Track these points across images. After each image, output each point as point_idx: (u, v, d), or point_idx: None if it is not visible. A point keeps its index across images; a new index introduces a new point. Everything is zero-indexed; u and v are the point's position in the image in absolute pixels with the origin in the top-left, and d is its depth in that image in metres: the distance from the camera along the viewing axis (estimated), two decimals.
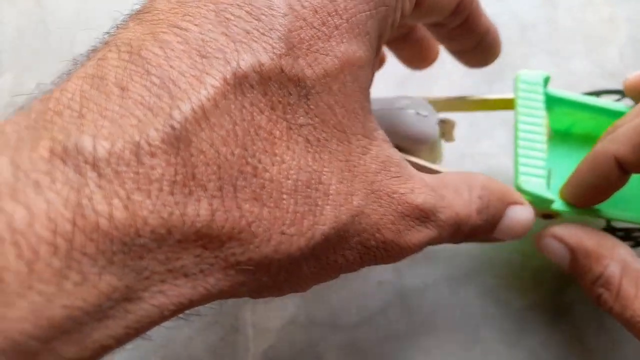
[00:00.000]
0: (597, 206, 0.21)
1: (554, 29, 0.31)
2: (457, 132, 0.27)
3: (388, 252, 0.15)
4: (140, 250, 0.10)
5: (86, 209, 0.10)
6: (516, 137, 0.21)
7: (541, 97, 0.21)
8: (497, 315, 0.23)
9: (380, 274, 0.24)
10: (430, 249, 0.24)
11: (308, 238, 0.12)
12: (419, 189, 0.15)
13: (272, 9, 0.12)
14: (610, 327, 0.23)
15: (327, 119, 0.13)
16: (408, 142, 0.20)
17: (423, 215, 0.15)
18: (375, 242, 0.14)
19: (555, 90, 0.22)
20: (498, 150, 0.27)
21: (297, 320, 0.23)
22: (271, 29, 0.12)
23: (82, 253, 0.10)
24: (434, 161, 0.22)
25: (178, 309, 0.11)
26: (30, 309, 0.09)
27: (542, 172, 0.20)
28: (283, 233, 0.12)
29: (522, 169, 0.20)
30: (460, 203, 0.16)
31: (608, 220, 0.23)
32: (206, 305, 0.24)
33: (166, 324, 0.24)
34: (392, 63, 0.30)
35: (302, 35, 0.12)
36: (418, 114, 0.20)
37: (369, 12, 0.14)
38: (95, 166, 0.10)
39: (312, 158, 0.13)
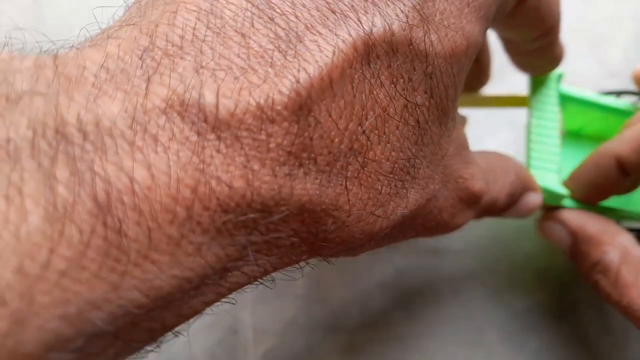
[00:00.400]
0: (607, 204, 0.21)
1: None
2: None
3: (438, 230, 0.15)
4: (247, 222, 0.10)
5: (206, 175, 0.09)
6: (529, 132, 0.21)
7: (555, 93, 0.21)
8: (500, 316, 0.23)
9: (381, 274, 0.24)
10: (431, 250, 0.24)
11: (390, 220, 0.12)
12: (477, 175, 0.15)
13: None
14: (614, 328, 0.23)
15: (440, 101, 0.12)
16: None
17: (474, 201, 0.15)
18: (435, 222, 0.14)
19: (568, 88, 0.22)
20: (503, 150, 0.27)
21: (297, 322, 0.23)
22: None
23: (197, 222, 0.09)
24: None
25: (261, 276, 0.11)
26: (143, 279, 0.09)
27: (555, 167, 0.20)
28: (372, 214, 0.11)
29: (534, 163, 0.20)
30: (496, 188, 0.16)
31: (617, 220, 0.22)
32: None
33: None
34: None
35: (437, 7, 0.11)
36: None
37: None
38: (215, 127, 0.09)
39: (414, 142, 0.12)
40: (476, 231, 0.25)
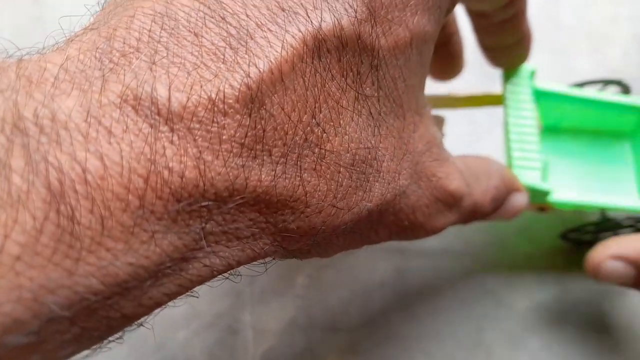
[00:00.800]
0: (592, 197, 0.21)
1: (556, 27, 0.30)
2: (458, 131, 0.27)
3: (414, 233, 0.15)
4: (202, 211, 0.10)
5: (158, 165, 0.09)
6: (507, 131, 0.21)
7: (529, 90, 0.21)
8: (500, 317, 0.23)
9: (381, 275, 0.24)
10: (432, 250, 0.24)
11: (354, 213, 0.12)
12: (452, 175, 0.15)
13: None
14: (614, 328, 0.23)
15: (390, 93, 0.12)
16: None
17: (452, 202, 0.15)
18: (408, 222, 0.14)
19: (541, 83, 0.23)
20: (498, 149, 0.27)
21: (296, 322, 0.23)
22: None
23: (150, 211, 0.09)
24: None
25: (226, 270, 0.11)
26: (98, 266, 0.09)
27: (537, 165, 0.20)
28: (333, 206, 0.12)
29: (516, 162, 0.20)
30: (479, 191, 0.16)
31: (603, 212, 0.23)
32: (204, 307, 0.24)
33: (163, 326, 0.24)
34: None
35: (382, 1, 0.12)
36: None
37: None
38: (168, 120, 0.10)
39: (372, 132, 0.12)
40: (476, 232, 0.25)
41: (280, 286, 0.24)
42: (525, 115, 0.21)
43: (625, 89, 0.24)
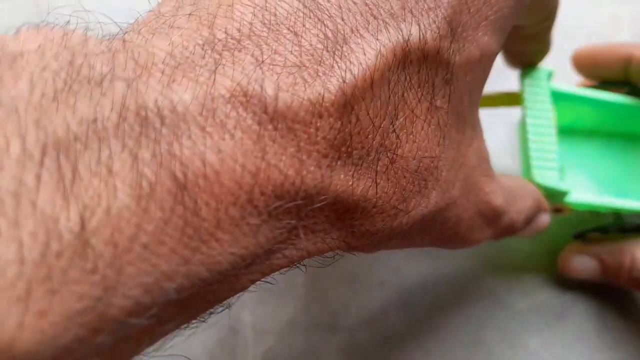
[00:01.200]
0: (609, 199, 0.22)
1: (557, 27, 0.30)
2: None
3: (454, 243, 0.15)
4: (293, 208, 0.11)
5: (265, 162, 0.10)
6: (526, 132, 0.21)
7: (547, 92, 0.21)
8: (499, 316, 0.23)
9: (381, 274, 0.24)
10: (432, 250, 0.24)
11: (411, 217, 0.13)
12: (498, 192, 0.15)
13: None
14: (613, 327, 0.23)
15: (456, 107, 0.13)
16: None
17: (494, 217, 0.16)
18: (451, 232, 0.15)
19: (557, 85, 0.23)
20: (500, 150, 0.27)
21: (296, 322, 0.23)
22: (439, 6, 0.12)
23: (254, 206, 0.10)
24: None
25: (299, 260, 0.12)
26: (208, 254, 0.10)
27: (555, 165, 0.20)
28: (395, 207, 0.12)
29: (535, 162, 0.20)
30: (515, 210, 0.17)
31: (617, 215, 0.23)
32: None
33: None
34: None
35: (461, 19, 0.12)
36: None
37: (512, 9, 0.14)
38: (273, 119, 0.10)
39: (437, 143, 0.13)
40: None
41: (280, 286, 0.24)
42: (544, 116, 0.21)
43: (630, 86, 0.24)
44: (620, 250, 0.22)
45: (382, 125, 0.11)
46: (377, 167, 0.12)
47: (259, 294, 0.24)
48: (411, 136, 0.12)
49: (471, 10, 0.13)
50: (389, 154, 0.12)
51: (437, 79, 0.12)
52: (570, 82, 0.25)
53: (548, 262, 0.24)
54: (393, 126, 0.12)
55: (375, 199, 0.12)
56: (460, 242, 0.15)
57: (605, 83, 0.24)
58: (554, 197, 0.20)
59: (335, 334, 0.23)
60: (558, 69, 0.29)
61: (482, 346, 0.23)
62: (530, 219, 0.19)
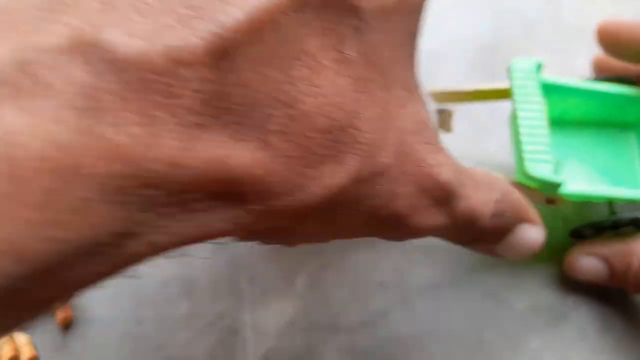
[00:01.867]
0: (602, 188, 0.22)
1: (558, 27, 0.30)
2: (461, 130, 0.27)
3: (395, 228, 0.13)
4: (151, 181, 0.09)
5: (102, 123, 0.08)
6: (517, 125, 0.21)
7: (537, 84, 0.21)
8: (501, 316, 0.23)
9: (381, 274, 0.24)
10: (433, 249, 0.24)
11: (325, 186, 0.11)
12: (446, 165, 0.13)
13: None
14: (614, 328, 0.23)
15: (373, 60, 0.11)
16: None
17: (443, 196, 0.13)
18: (388, 212, 0.12)
19: (547, 76, 0.23)
20: (502, 149, 0.27)
21: (296, 323, 0.23)
22: None
23: (86, 176, 0.08)
24: None
25: (173, 247, 0.10)
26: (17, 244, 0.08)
27: (548, 158, 0.20)
28: (301, 175, 0.11)
29: (528, 155, 0.20)
30: (477, 198, 0.15)
31: (611, 204, 0.23)
32: (204, 307, 0.24)
33: (163, 326, 0.24)
34: None
35: None
36: None
37: None
38: (122, 70, 0.08)
39: (352, 98, 0.11)
40: None
41: (280, 286, 0.24)
42: (534, 109, 0.21)
43: (631, 84, 0.24)
44: (628, 252, 0.22)
45: (276, 78, 0.10)
46: (269, 125, 0.10)
47: (260, 294, 0.24)
48: (317, 89, 0.10)
49: None
50: (286, 109, 0.10)
51: (345, 27, 0.11)
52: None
53: (548, 262, 0.24)
54: (290, 78, 0.10)
55: (271, 165, 0.10)
56: (403, 227, 0.13)
57: (605, 78, 0.24)
58: (548, 189, 0.20)
59: (335, 335, 0.23)
60: (558, 68, 0.29)
61: (483, 347, 0.23)
62: (501, 220, 0.16)
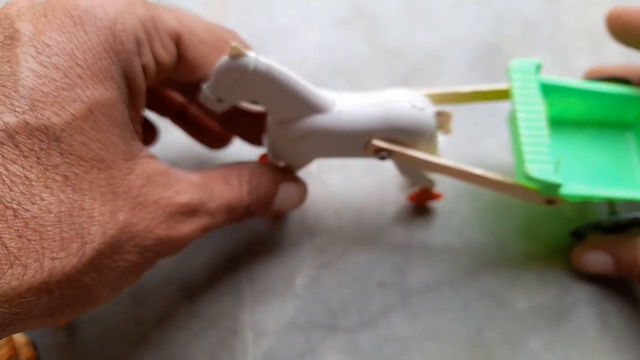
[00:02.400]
0: (602, 189, 0.22)
1: (557, 27, 0.30)
2: (461, 131, 0.27)
3: (168, 244, 0.18)
4: None
5: None
6: (516, 126, 0.21)
7: (536, 85, 0.21)
8: (500, 316, 0.23)
9: (380, 274, 0.24)
10: (432, 250, 0.24)
11: (80, 257, 0.15)
12: (185, 190, 0.18)
13: (14, 75, 0.14)
14: (614, 327, 0.23)
15: (84, 154, 0.15)
16: (405, 136, 0.20)
17: (191, 209, 0.18)
18: (151, 240, 0.17)
19: (546, 77, 0.23)
20: (502, 149, 0.27)
21: (296, 322, 0.23)
22: (15, 91, 0.14)
23: None
24: (432, 153, 0.21)
25: None
26: None
27: (547, 159, 0.20)
28: (53, 259, 0.14)
29: (528, 156, 0.20)
30: (230, 191, 0.20)
31: (611, 204, 0.23)
32: (204, 307, 0.24)
33: (163, 326, 0.24)
34: (395, 61, 0.29)
35: (44, 90, 0.15)
36: (414, 106, 0.20)
37: (110, 60, 0.16)
38: None
39: (72, 190, 0.15)
40: (475, 232, 0.25)
41: (280, 286, 0.24)
42: (534, 110, 0.21)
43: (628, 84, 0.24)
44: (634, 245, 0.22)
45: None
46: (7, 235, 0.13)
47: (259, 294, 0.24)
48: (36, 197, 0.14)
49: (57, 78, 0.15)
50: (16, 220, 0.13)
51: (42, 143, 0.14)
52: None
53: (547, 262, 0.24)
54: (6, 199, 0.13)
55: (22, 261, 0.13)
56: (173, 241, 0.18)
57: (602, 78, 0.24)
58: (548, 189, 0.20)
59: (334, 335, 0.23)
60: (558, 68, 0.29)
61: (483, 346, 0.23)
62: (261, 192, 0.21)
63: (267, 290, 0.24)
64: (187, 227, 0.18)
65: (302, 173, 0.26)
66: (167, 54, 0.18)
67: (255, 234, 0.25)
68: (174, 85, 0.22)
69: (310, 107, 0.20)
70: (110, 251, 0.16)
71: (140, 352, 0.23)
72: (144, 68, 0.18)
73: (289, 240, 0.25)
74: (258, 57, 0.18)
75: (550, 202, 0.22)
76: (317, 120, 0.20)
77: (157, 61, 0.18)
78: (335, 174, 0.26)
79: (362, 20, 0.31)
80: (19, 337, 0.22)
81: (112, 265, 0.16)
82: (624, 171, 0.23)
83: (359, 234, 0.25)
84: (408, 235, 0.25)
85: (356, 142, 0.21)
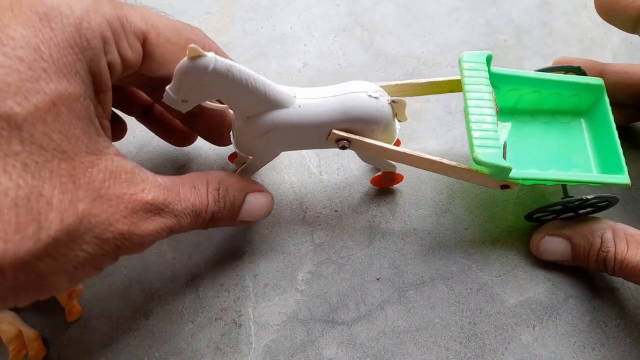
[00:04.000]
0: (552, 172, 0.22)
1: (549, 32, 0.31)
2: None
3: (129, 239, 0.17)
4: None
5: None
6: (467, 113, 0.21)
7: (486, 74, 0.22)
8: (493, 311, 0.24)
9: (377, 270, 0.24)
10: (427, 247, 0.25)
11: (35, 241, 0.15)
12: (149, 189, 0.18)
13: None
14: (604, 322, 0.23)
15: (45, 144, 0.15)
16: (363, 124, 0.21)
17: (155, 208, 0.18)
18: (111, 234, 0.17)
19: (498, 68, 0.23)
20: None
21: (297, 316, 0.24)
22: None
23: None
24: (389, 141, 0.22)
25: None
26: None
27: (496, 143, 0.20)
28: (7, 241, 0.14)
29: (476, 142, 0.20)
30: (196, 196, 0.20)
31: (565, 188, 0.23)
32: (209, 302, 0.24)
33: (170, 320, 0.23)
34: (392, 67, 0.30)
35: (8, 80, 0.15)
36: (370, 96, 0.21)
37: (75, 56, 0.16)
38: None
39: (32, 177, 0.15)
40: (469, 229, 0.25)
41: (282, 282, 0.24)
42: (483, 98, 0.21)
43: (583, 74, 0.24)
44: (590, 231, 0.23)
45: None
46: None
47: (262, 289, 0.24)
48: None
49: (21, 70, 0.15)
50: None
51: (3, 131, 0.14)
52: None
53: (539, 259, 0.25)
54: None
55: None
56: (135, 237, 0.18)
57: (554, 68, 0.25)
58: (499, 174, 0.21)
59: (334, 328, 0.23)
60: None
61: (476, 340, 0.23)
62: (227, 200, 0.21)
63: (270, 286, 0.24)
64: (150, 225, 0.18)
65: (302, 170, 0.27)
66: (133, 52, 0.18)
67: (259, 233, 0.25)
68: (140, 84, 0.23)
69: (272, 102, 0.20)
70: (67, 239, 0.16)
71: (148, 344, 0.23)
72: (110, 65, 0.18)
73: (291, 237, 0.25)
74: (217, 57, 0.18)
75: (505, 186, 0.22)
76: (279, 115, 0.20)
77: (123, 59, 0.18)
78: (334, 174, 0.27)
79: (360, 28, 0.31)
80: (29, 333, 0.22)
81: (69, 255, 0.16)
82: (578, 156, 0.23)
83: (357, 231, 0.25)
84: (405, 233, 0.25)
85: (318, 133, 0.21)
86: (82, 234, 0.16)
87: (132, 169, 0.18)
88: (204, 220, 0.20)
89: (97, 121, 0.17)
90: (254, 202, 0.22)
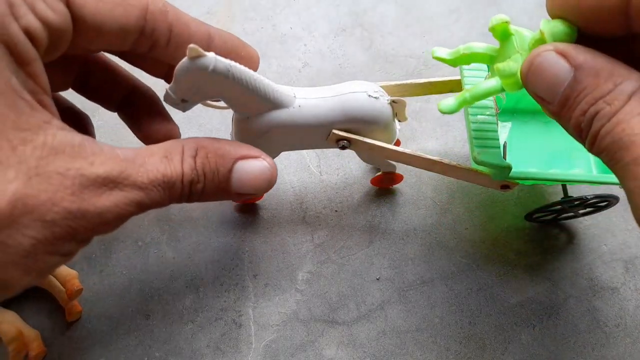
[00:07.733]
0: (552, 171, 0.22)
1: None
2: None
3: (84, 218, 0.16)
4: None
5: None
6: (467, 114, 0.21)
7: (485, 74, 0.22)
8: (493, 311, 0.24)
9: (377, 270, 0.24)
10: (427, 247, 0.25)
11: None
12: (101, 162, 0.16)
13: None
14: (604, 322, 0.23)
15: None
16: (363, 124, 0.21)
17: (109, 181, 0.16)
18: (58, 214, 0.15)
19: None
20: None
21: (297, 316, 0.24)
22: None
23: None
24: (389, 142, 0.22)
25: None
26: None
27: (496, 143, 0.20)
28: None
29: (476, 142, 0.20)
30: (166, 164, 0.18)
31: (565, 188, 0.23)
32: (209, 302, 0.24)
33: (170, 320, 0.23)
34: (392, 67, 0.30)
35: None
36: (370, 96, 0.21)
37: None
38: None
39: None
40: (469, 230, 0.25)
41: (282, 282, 0.24)
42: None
43: None
44: (609, 72, 0.16)
45: None
46: None
47: (262, 289, 0.24)
48: None
49: None
50: None
51: None
52: None
53: (539, 259, 0.25)
54: None
55: None
56: (90, 214, 0.16)
57: None
58: (499, 174, 0.21)
59: (334, 328, 0.23)
60: None
61: (475, 340, 0.23)
62: (210, 167, 0.19)
63: (270, 286, 0.24)
64: (107, 200, 0.16)
65: (302, 170, 0.27)
66: (55, 15, 0.16)
67: (259, 232, 0.25)
68: (131, 59, 0.21)
69: (272, 103, 0.20)
70: (8, 220, 0.14)
71: (148, 344, 0.23)
72: (28, 32, 0.16)
73: (291, 237, 0.25)
74: (217, 57, 0.18)
75: (505, 187, 0.22)
76: (279, 115, 0.20)
77: (45, 23, 0.16)
78: (334, 174, 0.27)
79: (360, 28, 0.31)
80: (29, 333, 0.22)
81: (9, 242, 0.15)
82: (578, 156, 0.23)
83: (357, 231, 0.25)
84: (405, 233, 0.25)
85: (318, 133, 0.21)
86: (19, 218, 0.15)
87: (80, 142, 0.16)
88: (182, 192, 0.18)
89: (28, 95, 0.16)
90: (245, 169, 0.19)
